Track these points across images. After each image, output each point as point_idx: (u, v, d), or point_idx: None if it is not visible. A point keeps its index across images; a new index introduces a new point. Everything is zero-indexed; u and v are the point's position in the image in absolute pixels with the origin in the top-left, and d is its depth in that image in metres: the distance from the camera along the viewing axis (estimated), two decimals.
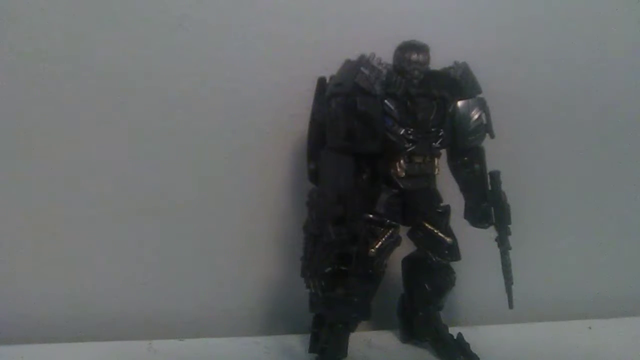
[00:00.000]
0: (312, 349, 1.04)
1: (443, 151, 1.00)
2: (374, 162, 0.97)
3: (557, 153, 1.34)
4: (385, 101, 0.93)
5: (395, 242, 0.98)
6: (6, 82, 1.12)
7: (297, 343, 1.12)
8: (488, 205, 1.01)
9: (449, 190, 1.04)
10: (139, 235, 1.20)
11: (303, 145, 1.05)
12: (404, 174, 0.95)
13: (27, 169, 1.15)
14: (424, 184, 0.98)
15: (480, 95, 1.00)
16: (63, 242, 1.18)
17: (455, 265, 1.05)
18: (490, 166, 1.02)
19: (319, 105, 1.00)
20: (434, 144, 0.96)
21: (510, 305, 1.02)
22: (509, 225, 1.01)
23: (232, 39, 1.17)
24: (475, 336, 1.06)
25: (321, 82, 1.01)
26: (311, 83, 1.02)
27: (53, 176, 1.16)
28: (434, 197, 1.01)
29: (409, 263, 1.09)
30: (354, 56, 0.95)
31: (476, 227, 1.03)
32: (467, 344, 1.05)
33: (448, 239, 1.00)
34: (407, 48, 0.94)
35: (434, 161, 0.98)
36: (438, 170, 0.98)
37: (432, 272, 1.04)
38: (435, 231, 1.00)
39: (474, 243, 1.04)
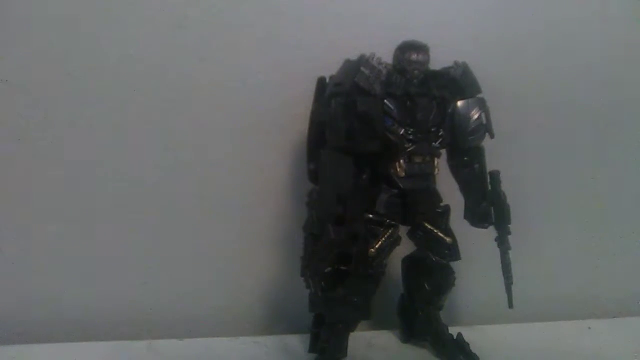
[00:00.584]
0: (312, 349, 1.04)
1: (443, 151, 1.00)
2: (374, 162, 0.97)
3: (557, 153, 1.34)
4: (385, 101, 0.93)
5: (395, 242, 0.98)
6: (6, 82, 1.12)
7: (297, 343, 1.12)
8: (488, 205, 1.01)
9: (449, 190, 1.04)
10: (139, 235, 1.20)
11: (303, 145, 1.05)
12: (404, 174, 0.95)
13: (27, 169, 1.15)
14: (424, 184, 0.98)
15: (480, 95, 1.00)
16: (63, 242, 1.18)
17: (455, 265, 1.05)
18: (490, 166, 1.02)
19: (319, 105, 1.00)
20: (434, 144, 0.96)
21: (510, 305, 1.01)
22: (509, 225, 1.01)
23: (232, 39, 1.17)
24: (475, 336, 1.06)
25: (321, 82, 1.01)
26: (311, 83, 1.02)
27: (53, 176, 1.16)
28: (434, 197, 1.01)
29: (409, 263, 1.09)
30: (354, 56, 0.95)
31: (476, 227, 1.03)
32: (467, 344, 1.05)
33: (448, 239, 1.00)
34: (407, 48, 0.94)
35: (434, 161, 0.97)
36: (438, 170, 0.98)
37: (432, 272, 1.04)
38: (435, 231, 1.00)
39: (474, 243, 1.04)
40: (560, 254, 1.37)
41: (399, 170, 0.95)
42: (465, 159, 1.03)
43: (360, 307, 0.97)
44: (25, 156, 1.15)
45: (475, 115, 0.98)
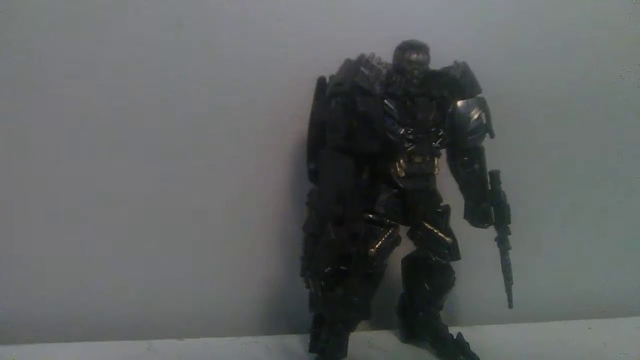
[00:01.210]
0: (312, 349, 1.04)
1: (443, 151, 1.00)
2: (374, 162, 0.97)
3: (557, 153, 1.34)
4: (385, 101, 0.93)
5: (395, 242, 0.98)
6: (6, 82, 1.12)
7: (297, 343, 1.12)
8: (488, 205, 1.01)
9: (449, 190, 1.04)
10: (139, 235, 1.20)
11: (303, 145, 1.05)
12: (404, 174, 0.95)
13: (27, 170, 1.15)
14: (424, 184, 0.98)
15: (481, 95, 1.00)
16: (63, 242, 1.18)
17: (455, 265, 1.05)
18: (490, 166, 1.02)
19: (319, 105, 1.00)
20: (434, 144, 0.96)
21: (510, 305, 1.01)
22: (509, 225, 1.01)
23: (232, 39, 1.17)
24: (475, 336, 1.06)
25: (321, 82, 1.01)
26: (311, 83, 1.02)
27: (53, 177, 1.16)
28: (434, 197, 1.01)
29: (409, 263, 1.09)
30: (354, 56, 0.95)
31: (476, 227, 1.03)
32: (467, 344, 1.05)
33: (448, 239, 1.00)
34: (407, 48, 0.94)
35: (434, 161, 0.97)
36: (438, 170, 0.98)
37: (432, 272, 1.04)
38: (435, 231, 1.00)
39: (474, 243, 1.04)
40: (561, 254, 1.37)
41: (399, 170, 0.95)
42: (465, 159, 1.03)
43: (360, 307, 0.97)
44: (24, 156, 1.15)
45: (475, 115, 0.98)
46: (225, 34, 1.17)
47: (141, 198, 1.19)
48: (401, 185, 0.96)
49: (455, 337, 1.06)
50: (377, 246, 0.95)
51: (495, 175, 1.01)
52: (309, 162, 1.03)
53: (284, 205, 1.23)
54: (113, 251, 1.19)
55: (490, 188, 1.01)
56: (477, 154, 1.02)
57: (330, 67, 0.98)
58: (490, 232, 1.02)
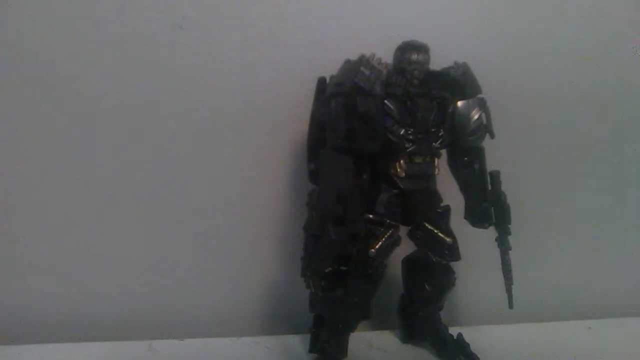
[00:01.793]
0: (312, 349, 1.04)
1: (443, 151, 1.00)
2: (374, 162, 0.97)
3: (557, 153, 1.34)
4: (385, 101, 0.93)
5: (395, 242, 0.98)
6: (5, 82, 1.12)
7: (297, 343, 1.12)
8: (488, 205, 1.01)
9: (449, 190, 1.04)
10: (139, 235, 1.20)
11: (303, 145, 1.05)
12: (404, 174, 0.95)
13: (27, 169, 1.15)
14: (424, 184, 0.98)
15: (481, 95, 1.00)
16: (63, 242, 1.18)
17: (455, 265, 1.05)
18: (490, 166, 1.02)
19: (319, 105, 1.00)
20: (434, 144, 0.96)
21: (510, 305, 1.02)
22: (509, 226, 1.01)
23: (232, 39, 1.17)
24: (475, 336, 1.06)
25: (321, 82, 1.01)
26: (311, 83, 1.02)
27: (53, 176, 1.16)
28: (434, 197, 1.01)
29: (409, 263, 1.09)
30: (354, 56, 0.95)
31: (476, 227, 1.03)
32: (467, 344, 1.05)
33: (448, 239, 1.00)
34: (407, 48, 0.94)
35: (434, 161, 0.97)
36: (438, 170, 0.98)
37: (432, 272, 1.04)
38: (435, 231, 1.00)
39: (474, 243, 1.04)
40: (560, 254, 1.37)
41: (399, 170, 0.95)
42: (465, 159, 1.03)
43: (360, 307, 0.97)
44: (25, 156, 1.15)
45: (475, 115, 0.98)
46: (225, 34, 1.17)
47: (141, 198, 1.19)
48: (401, 185, 0.96)
49: (455, 337, 1.06)
50: (377, 246, 0.95)
51: (495, 176, 1.01)
52: (309, 162, 1.03)
53: (284, 205, 1.23)
54: (113, 251, 1.20)
55: (490, 188, 1.01)
56: (477, 154, 1.02)
57: (330, 67, 0.98)
58: (490, 232, 1.02)
